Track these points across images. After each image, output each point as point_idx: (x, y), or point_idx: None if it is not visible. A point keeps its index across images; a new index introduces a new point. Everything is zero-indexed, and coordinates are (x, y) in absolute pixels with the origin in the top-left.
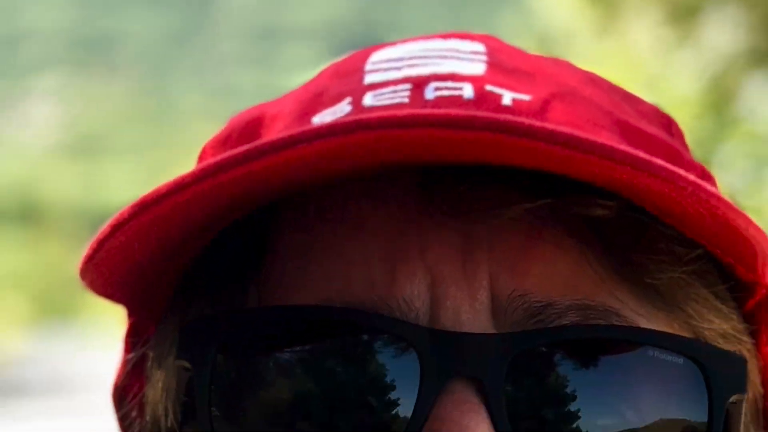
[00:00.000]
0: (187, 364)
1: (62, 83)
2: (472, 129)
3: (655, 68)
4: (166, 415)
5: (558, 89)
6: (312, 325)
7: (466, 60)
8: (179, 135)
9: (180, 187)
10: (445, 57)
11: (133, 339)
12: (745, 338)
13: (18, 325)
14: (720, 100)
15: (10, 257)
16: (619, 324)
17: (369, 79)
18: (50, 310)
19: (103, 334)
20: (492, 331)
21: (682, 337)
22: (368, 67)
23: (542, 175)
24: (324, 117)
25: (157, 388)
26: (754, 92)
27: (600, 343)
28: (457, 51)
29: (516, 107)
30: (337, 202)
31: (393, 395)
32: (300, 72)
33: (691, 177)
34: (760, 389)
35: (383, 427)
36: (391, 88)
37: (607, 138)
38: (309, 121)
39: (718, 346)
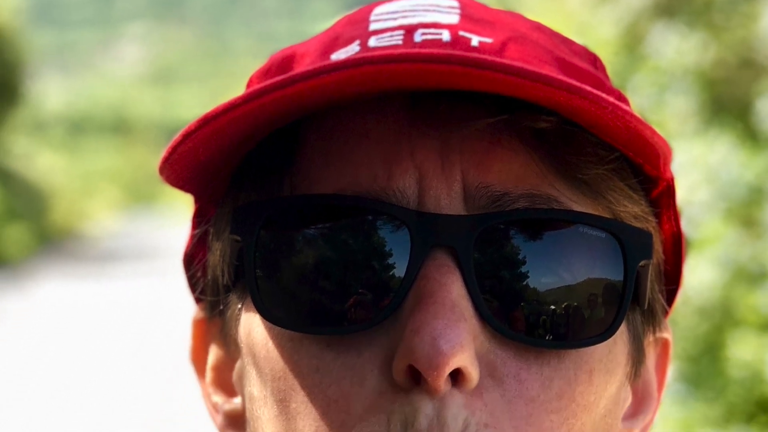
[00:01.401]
0: (238, 237)
1: (146, 30)
2: (449, 63)
3: (584, 18)
4: (223, 275)
5: (513, 34)
6: (330, 209)
7: (445, 13)
8: (232, 68)
9: (233, 106)
10: (428, 11)
11: (198, 219)
12: (651, 218)
13: (112, 209)
14: (632, 42)
15: (107, 158)
16: (557, 208)
17: (373, 26)
18: (136, 198)
19: (175, 215)
20: (464, 213)
21: (605, 217)
22: (372, 17)
23: (501, 98)
24: (339, 55)
25: (216, 255)
26: (657, 37)
27: (543, 222)
28: (438, 6)
29: (482, 48)
30: (348, 117)
31: (390, 260)
32: (322, 21)
33: (611, 99)
34: (662, 256)
35: (383, 284)
36: (389, 33)
37: (549, 70)
38: (328, 58)
39: (631, 224)
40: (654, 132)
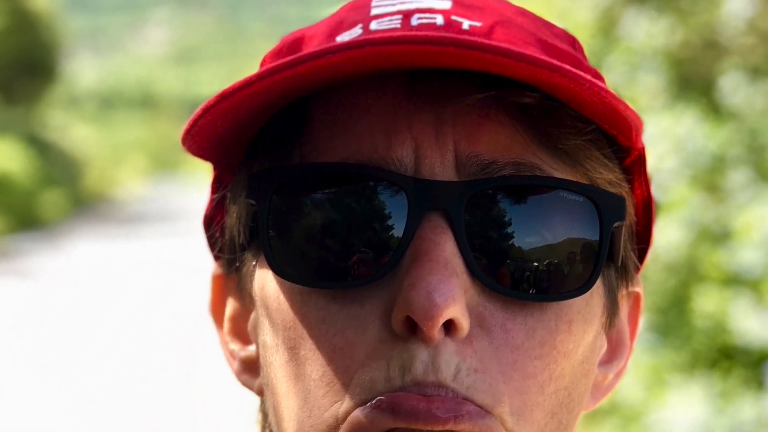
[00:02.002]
0: (252, 201)
1: (170, 15)
2: (442, 45)
3: (564, 4)
4: (239, 235)
5: (500, 18)
6: (335, 176)
7: None
8: (247, 49)
9: (248, 83)
10: None
11: (217, 185)
12: (624, 184)
13: (140, 176)
14: (607, 26)
15: (134, 130)
16: (540, 175)
17: (374, 11)
18: (161, 166)
19: (196, 181)
20: (456, 179)
21: (582, 183)
22: (373, 3)
23: (489, 76)
24: (344, 37)
25: (233, 217)
26: (629, 21)
27: (527, 188)
28: None
29: (472, 30)
30: (352, 93)
31: (389, 222)
32: (329, 7)
33: (588, 77)
34: (634, 218)
35: (383, 243)
36: (389, 17)
37: (532, 51)
38: (334, 40)
39: (606, 189)
40: (627, 106)
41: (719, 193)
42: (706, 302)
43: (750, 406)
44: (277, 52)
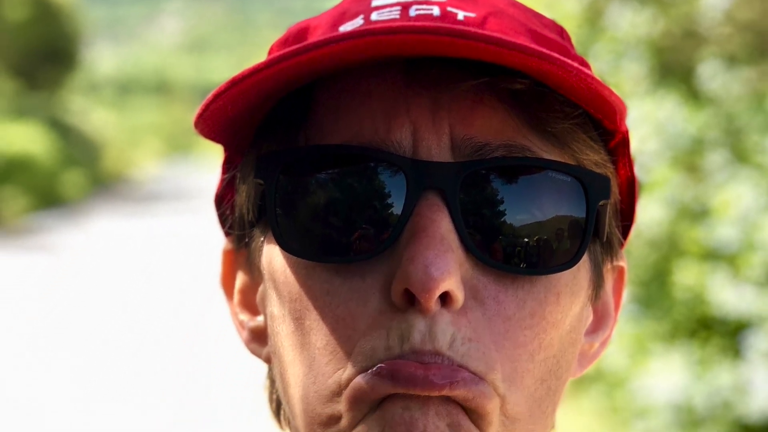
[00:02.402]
0: (261, 181)
1: (183, 6)
2: (438, 34)
3: None
4: (248, 213)
5: (492, 9)
6: (338, 157)
7: None
8: (255, 39)
9: (257, 70)
10: None
11: (227, 166)
12: (609, 165)
13: (155, 157)
14: (593, 17)
15: (150, 115)
16: (530, 156)
17: (375, 3)
18: (175, 148)
19: (208, 162)
20: (451, 160)
21: (570, 164)
22: None
23: (482, 63)
24: (346, 27)
25: (242, 196)
26: (614, 12)
27: (518, 168)
28: None
29: (466, 21)
30: (354, 80)
31: (389, 201)
32: None
33: (575, 64)
34: (618, 197)
35: (383, 220)
36: (388, 9)
37: (523, 40)
38: (337, 30)
39: (592, 170)
40: (611, 92)
41: (698, 173)
42: (686, 276)
43: (727, 373)
44: (284, 42)
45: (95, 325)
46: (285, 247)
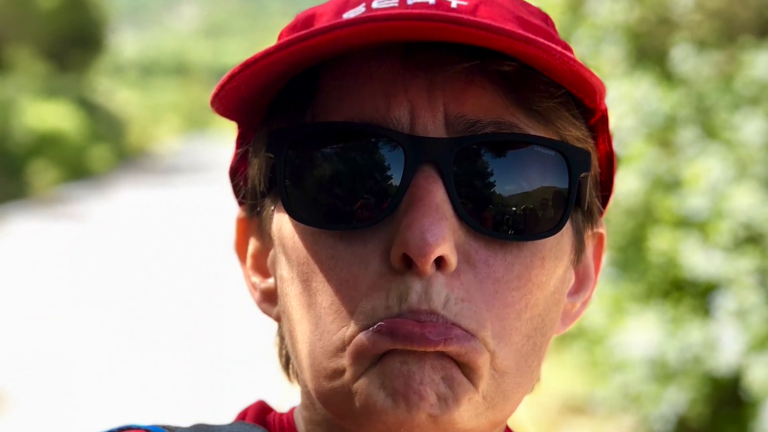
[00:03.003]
0: (271, 155)
1: None
2: (433, 21)
3: None
4: (260, 184)
5: None
6: (341, 133)
7: None
8: (267, 24)
9: (268, 54)
10: None
11: (241, 141)
12: (590, 140)
13: (174, 133)
14: (575, 4)
15: (170, 94)
16: (518, 132)
17: None
18: (193, 125)
19: (223, 138)
20: (445, 136)
21: (554, 139)
22: None
23: (474, 48)
24: (349, 14)
25: (255, 168)
26: (594, 0)
27: (507, 143)
28: None
29: (459, 9)
30: (356, 63)
31: (388, 173)
32: None
33: (559, 48)
34: (598, 169)
35: (383, 191)
36: None
37: (511, 26)
38: (341, 17)
39: (574, 145)
40: (592, 73)
41: (671, 148)
42: (660, 241)
43: (697, 331)
44: (292, 27)
45: (119, 284)
46: (293, 215)
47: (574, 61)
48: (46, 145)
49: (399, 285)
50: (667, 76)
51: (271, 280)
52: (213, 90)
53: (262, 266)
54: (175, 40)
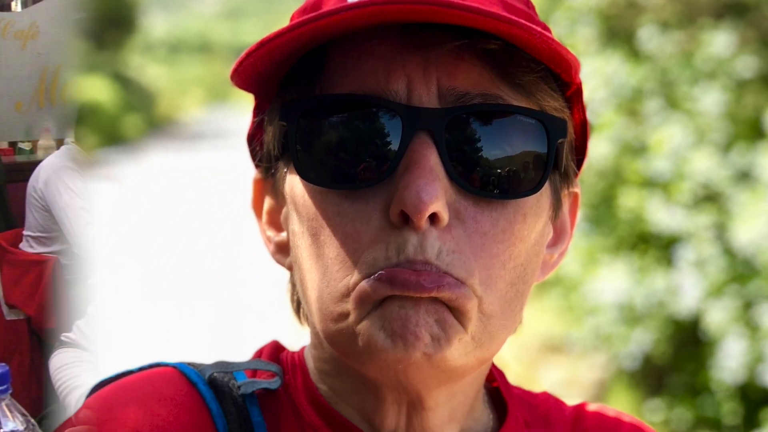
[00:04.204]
0: (284, 123)
1: None
2: (428, 4)
3: None
4: (274, 149)
5: None
6: (346, 104)
7: None
8: (281, 7)
9: (281, 33)
10: None
11: (257, 111)
12: (566, 110)
13: (199, 104)
14: None
15: (195, 69)
16: (502, 103)
17: None
18: (215, 97)
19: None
20: (438, 107)
21: (534, 110)
22: None
23: (464, 28)
24: None
25: (269, 135)
26: None
27: (493, 113)
28: None
29: None
30: (360, 41)
31: (387, 139)
32: None
33: (539, 29)
34: (573, 136)
35: (383, 155)
36: None
37: (496, 9)
38: (346, 1)
39: (553, 114)
40: (568, 51)
41: (638, 117)
42: (628, 200)
43: (661, 279)
44: (303, 10)
45: (150, 241)
46: (304, 176)
47: (552, 40)
48: (85, 114)
49: (397, 238)
50: (634, 53)
51: (284, 234)
52: (233, 66)
53: (276, 222)
54: (199, 21)
